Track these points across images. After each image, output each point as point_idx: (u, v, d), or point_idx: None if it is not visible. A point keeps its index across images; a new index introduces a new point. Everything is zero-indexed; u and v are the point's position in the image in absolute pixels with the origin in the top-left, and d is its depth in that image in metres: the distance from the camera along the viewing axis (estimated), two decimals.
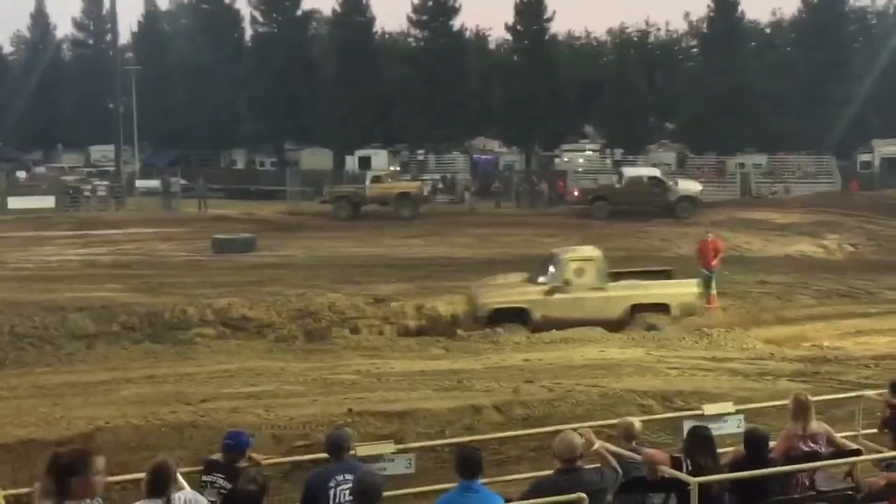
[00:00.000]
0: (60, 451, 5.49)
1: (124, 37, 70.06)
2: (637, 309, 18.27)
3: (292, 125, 60.83)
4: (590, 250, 19.76)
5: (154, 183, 52.74)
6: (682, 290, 18.64)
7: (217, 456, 7.65)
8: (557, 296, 18.22)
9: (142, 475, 6.14)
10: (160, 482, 6.22)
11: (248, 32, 66.13)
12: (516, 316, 18.28)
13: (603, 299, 18.19)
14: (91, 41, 73.69)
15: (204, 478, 7.44)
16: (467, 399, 12.80)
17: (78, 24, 74.84)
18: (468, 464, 6.34)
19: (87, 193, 49.50)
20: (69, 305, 20.28)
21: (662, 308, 18.33)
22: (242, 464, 7.47)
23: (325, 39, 65.04)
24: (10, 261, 30.22)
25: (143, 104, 58.00)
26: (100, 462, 5.32)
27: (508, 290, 19.10)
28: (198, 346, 17.50)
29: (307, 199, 48.24)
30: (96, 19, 72.87)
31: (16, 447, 10.96)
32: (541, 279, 18.92)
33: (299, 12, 64.25)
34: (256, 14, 64.26)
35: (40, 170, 64.19)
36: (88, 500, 5.21)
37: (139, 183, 55.50)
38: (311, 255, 31.38)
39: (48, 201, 46.07)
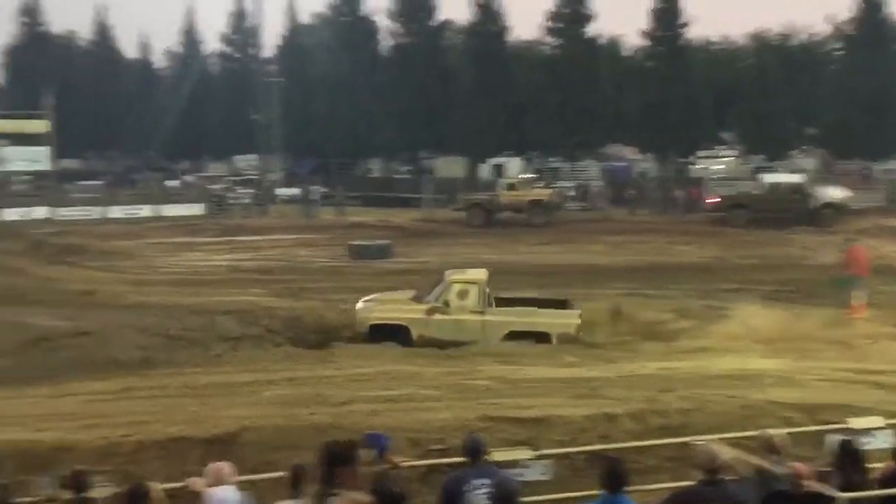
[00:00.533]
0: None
1: (269, 50, 72.58)
2: (514, 336, 18.00)
3: (428, 134, 61.49)
4: (475, 273, 19.48)
5: (295, 191, 54.26)
6: (561, 321, 18.27)
7: None
8: (436, 316, 18.26)
9: (283, 474, 6.37)
10: (302, 483, 6.48)
11: (386, 43, 67.36)
12: (396, 333, 18.19)
13: (480, 323, 18.11)
14: (237, 55, 76.30)
15: None
16: (601, 407, 12.69)
17: (225, 40, 77.67)
18: (614, 476, 6.28)
19: (231, 201, 51.47)
20: (216, 309, 21.09)
21: (543, 336, 17.96)
22: (382, 465, 7.66)
23: (460, 49, 65.60)
24: (163, 265, 31.67)
25: (285, 115, 59.77)
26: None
27: (388, 307, 19.04)
28: (336, 349, 17.93)
29: (441, 207, 48.72)
30: (243, 34, 75.47)
31: (167, 444, 11.41)
32: (426, 299, 18.84)
33: (435, 22, 65.04)
34: (393, 25, 65.42)
35: (190, 179, 66.95)
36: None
37: (281, 191, 57.21)
38: (445, 261, 31.45)
39: (197, 209, 48.12)
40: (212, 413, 12.73)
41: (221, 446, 11.09)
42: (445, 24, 66.20)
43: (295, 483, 6.56)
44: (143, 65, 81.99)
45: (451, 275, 19.14)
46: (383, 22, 66.86)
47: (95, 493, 7.84)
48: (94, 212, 46.64)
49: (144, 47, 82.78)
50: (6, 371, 16.75)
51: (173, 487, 8.22)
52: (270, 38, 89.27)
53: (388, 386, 14.37)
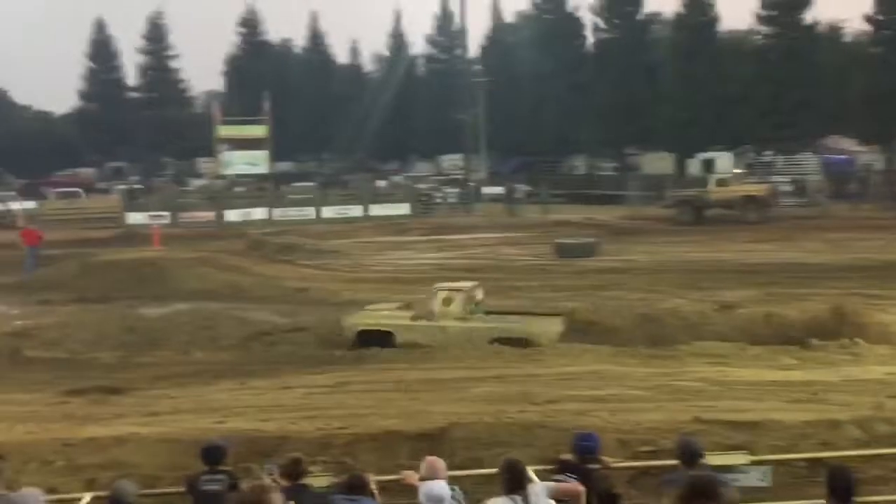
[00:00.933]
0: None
1: (473, 50, 73.57)
2: (499, 342, 17.88)
3: (633, 130, 60.61)
4: (462, 284, 19.89)
5: (500, 189, 54.70)
6: (543, 329, 18.28)
7: (568, 456, 7.80)
8: (421, 322, 18.59)
9: (493, 471, 6.37)
10: (517, 479, 6.46)
11: (590, 39, 66.89)
12: (383, 339, 18.42)
13: (465, 330, 18.27)
14: (443, 56, 77.77)
15: (555, 477, 7.62)
16: (822, 413, 12.05)
17: (431, 41, 79.35)
18: (842, 486, 5.96)
19: (438, 200, 52.48)
20: None
21: (527, 343, 17.83)
22: (593, 466, 7.58)
23: (667, 42, 64.25)
24: (372, 264, 32.65)
25: (490, 114, 60.40)
26: None
27: (375, 314, 19.59)
28: (543, 348, 17.91)
29: (648, 204, 47.82)
30: (448, 35, 76.85)
31: (380, 437, 11.71)
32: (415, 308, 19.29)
33: (642, 16, 64.05)
34: (598, 20, 64.90)
35: (398, 179, 68.80)
36: None
37: (486, 190, 57.83)
38: (653, 259, 31.05)
39: (404, 208, 49.37)
40: (422, 408, 12.98)
41: (431, 441, 11.26)
42: (652, 18, 65.04)
43: (510, 480, 6.55)
44: (353, 69, 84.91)
45: (439, 284, 19.89)
46: (588, 18, 66.57)
47: (312, 481, 8.16)
48: (308, 212, 48.69)
49: (354, 52, 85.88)
50: (231, 364, 17.79)
51: (387, 479, 8.45)
52: (475, 39, 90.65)
53: (596, 385, 14.20)
